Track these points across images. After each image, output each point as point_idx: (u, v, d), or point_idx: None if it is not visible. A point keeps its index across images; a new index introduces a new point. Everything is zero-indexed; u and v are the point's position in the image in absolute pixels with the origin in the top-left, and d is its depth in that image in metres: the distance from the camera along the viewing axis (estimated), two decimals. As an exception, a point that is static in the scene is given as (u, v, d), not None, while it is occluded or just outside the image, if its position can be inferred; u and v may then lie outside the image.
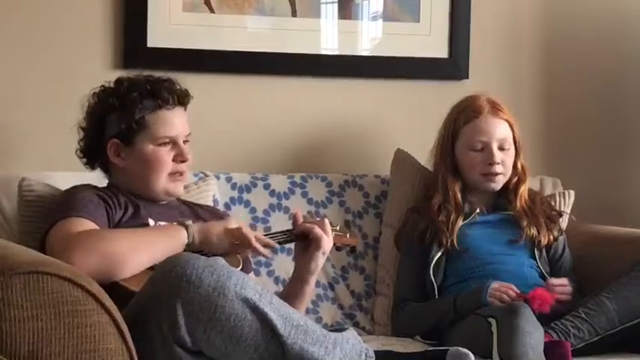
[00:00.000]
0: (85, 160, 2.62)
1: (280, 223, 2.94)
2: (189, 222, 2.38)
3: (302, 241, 2.51)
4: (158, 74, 2.60)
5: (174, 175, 2.56)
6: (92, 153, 2.59)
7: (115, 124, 2.52)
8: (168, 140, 2.54)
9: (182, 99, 2.58)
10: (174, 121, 2.55)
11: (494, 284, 2.71)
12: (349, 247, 2.71)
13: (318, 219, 2.58)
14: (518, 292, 2.69)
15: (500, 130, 2.93)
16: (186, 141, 2.58)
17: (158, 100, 2.52)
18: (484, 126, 2.92)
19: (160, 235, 2.36)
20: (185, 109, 2.60)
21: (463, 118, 2.95)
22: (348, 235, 2.68)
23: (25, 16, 3.01)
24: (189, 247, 2.35)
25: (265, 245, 2.44)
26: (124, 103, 2.51)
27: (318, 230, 2.46)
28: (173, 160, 2.55)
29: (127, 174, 2.55)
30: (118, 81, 2.58)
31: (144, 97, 2.52)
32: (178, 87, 2.58)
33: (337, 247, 2.63)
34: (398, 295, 2.95)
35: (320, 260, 2.50)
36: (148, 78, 2.57)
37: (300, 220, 2.52)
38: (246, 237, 2.40)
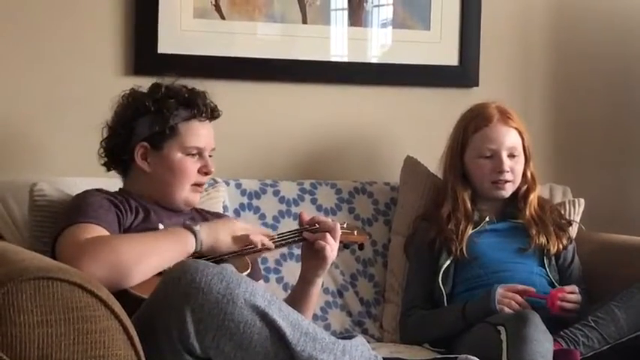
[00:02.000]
0: (106, 159, 2.63)
1: (289, 229, 2.93)
2: (198, 227, 2.38)
3: (309, 243, 2.50)
4: (189, 84, 2.61)
5: (196, 186, 2.58)
6: (117, 153, 2.60)
7: (147, 127, 2.53)
8: (196, 151, 2.56)
9: (214, 113, 2.62)
10: (205, 133, 2.58)
11: (500, 289, 2.71)
12: (357, 244, 2.69)
13: (328, 218, 2.55)
14: (526, 288, 2.70)
15: (509, 138, 2.93)
16: (211, 155, 2.60)
17: (194, 109, 2.55)
18: (494, 134, 2.92)
19: (168, 241, 2.35)
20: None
21: (473, 126, 2.94)
22: (355, 233, 2.66)
23: (35, 22, 3.01)
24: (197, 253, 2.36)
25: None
26: (160, 107, 2.53)
27: (321, 243, 2.45)
28: (198, 172, 2.57)
29: (149, 179, 2.56)
30: (156, 85, 2.60)
31: (180, 104, 2.54)
32: (209, 101, 2.61)
33: (344, 245, 2.62)
34: (406, 302, 2.95)
35: (326, 266, 2.50)
36: (185, 87, 2.59)
37: (305, 219, 2.52)
38: (254, 244, 2.42)
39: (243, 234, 2.43)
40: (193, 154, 2.56)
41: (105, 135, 2.62)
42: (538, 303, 2.70)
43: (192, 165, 2.56)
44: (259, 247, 2.41)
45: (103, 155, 2.63)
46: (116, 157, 2.61)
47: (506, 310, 2.66)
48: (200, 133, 2.57)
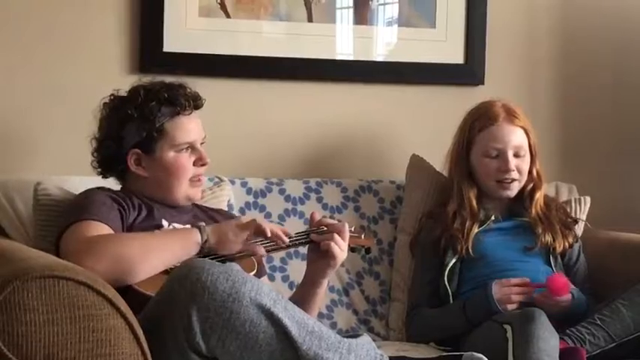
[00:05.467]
0: (100, 169, 2.63)
1: (295, 228, 2.91)
2: (203, 223, 2.40)
3: (316, 244, 2.50)
4: (169, 79, 2.61)
5: (194, 179, 2.58)
6: (110, 164, 2.60)
7: (135, 134, 2.53)
8: (187, 146, 2.56)
9: (197, 102, 2.60)
10: (192, 126, 2.57)
11: (495, 287, 2.71)
12: (364, 248, 2.69)
13: (337, 221, 2.54)
14: (520, 281, 2.70)
15: (515, 137, 2.92)
16: (202, 143, 2.60)
17: (176, 106, 2.55)
18: (499, 133, 2.91)
19: (172, 238, 2.37)
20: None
21: (478, 124, 2.94)
22: (362, 236, 2.67)
23: (41, 20, 3.01)
24: (204, 249, 2.36)
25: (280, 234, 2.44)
26: (143, 112, 2.52)
27: (328, 243, 2.42)
28: (194, 165, 2.57)
29: (147, 182, 2.56)
30: (134, 90, 2.59)
31: (162, 104, 2.54)
32: (190, 91, 2.60)
33: (352, 248, 2.61)
34: (412, 301, 2.95)
35: (335, 266, 2.49)
36: (163, 85, 2.59)
37: (317, 219, 2.51)
38: (260, 226, 2.40)
39: (250, 220, 2.43)
40: (186, 149, 2.56)
41: (94, 147, 2.62)
42: (539, 291, 2.69)
43: (186, 160, 2.56)
44: (267, 231, 2.40)
45: (96, 167, 2.63)
46: (110, 167, 2.61)
47: (510, 307, 2.66)
48: (188, 128, 2.56)
